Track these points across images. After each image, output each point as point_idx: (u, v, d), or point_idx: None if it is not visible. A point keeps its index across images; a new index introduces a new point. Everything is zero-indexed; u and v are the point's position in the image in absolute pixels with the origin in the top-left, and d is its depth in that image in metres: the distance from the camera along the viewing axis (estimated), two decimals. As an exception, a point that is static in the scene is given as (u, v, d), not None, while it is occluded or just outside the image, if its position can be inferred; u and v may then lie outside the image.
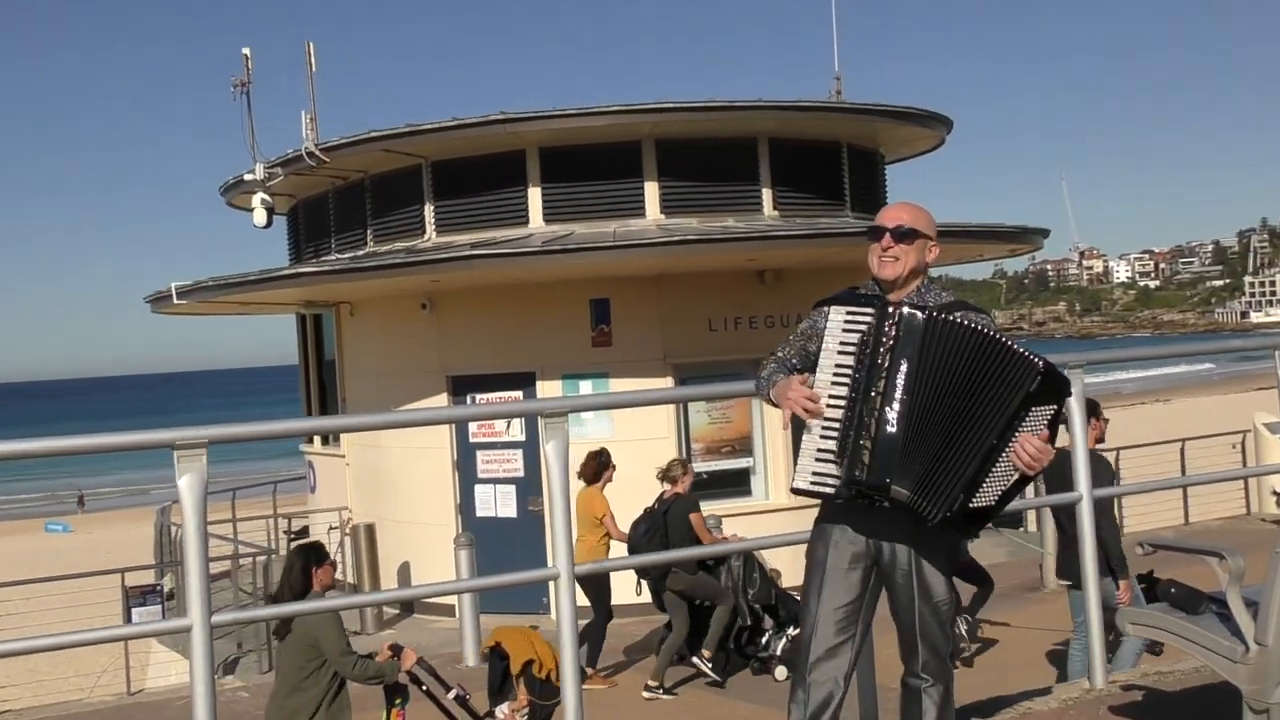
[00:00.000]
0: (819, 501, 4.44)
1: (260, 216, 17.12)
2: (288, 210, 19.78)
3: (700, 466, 15.78)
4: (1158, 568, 8.89)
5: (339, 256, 17.68)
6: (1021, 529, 19.44)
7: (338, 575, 17.73)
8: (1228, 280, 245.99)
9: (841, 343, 4.29)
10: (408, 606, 16.56)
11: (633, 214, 15.82)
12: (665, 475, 12.09)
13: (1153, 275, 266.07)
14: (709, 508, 13.00)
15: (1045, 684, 6.80)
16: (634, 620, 13.86)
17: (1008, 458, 4.21)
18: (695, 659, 11.74)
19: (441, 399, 16.15)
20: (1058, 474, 9.26)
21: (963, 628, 11.78)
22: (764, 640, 12.13)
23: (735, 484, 15.68)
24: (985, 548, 16.35)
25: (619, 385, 15.31)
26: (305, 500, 20.70)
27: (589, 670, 11.81)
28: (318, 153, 16.20)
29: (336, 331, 18.41)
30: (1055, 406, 4.23)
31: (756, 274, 15.88)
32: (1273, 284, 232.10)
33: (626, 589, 12.75)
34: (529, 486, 15.62)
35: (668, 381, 15.42)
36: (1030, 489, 16.52)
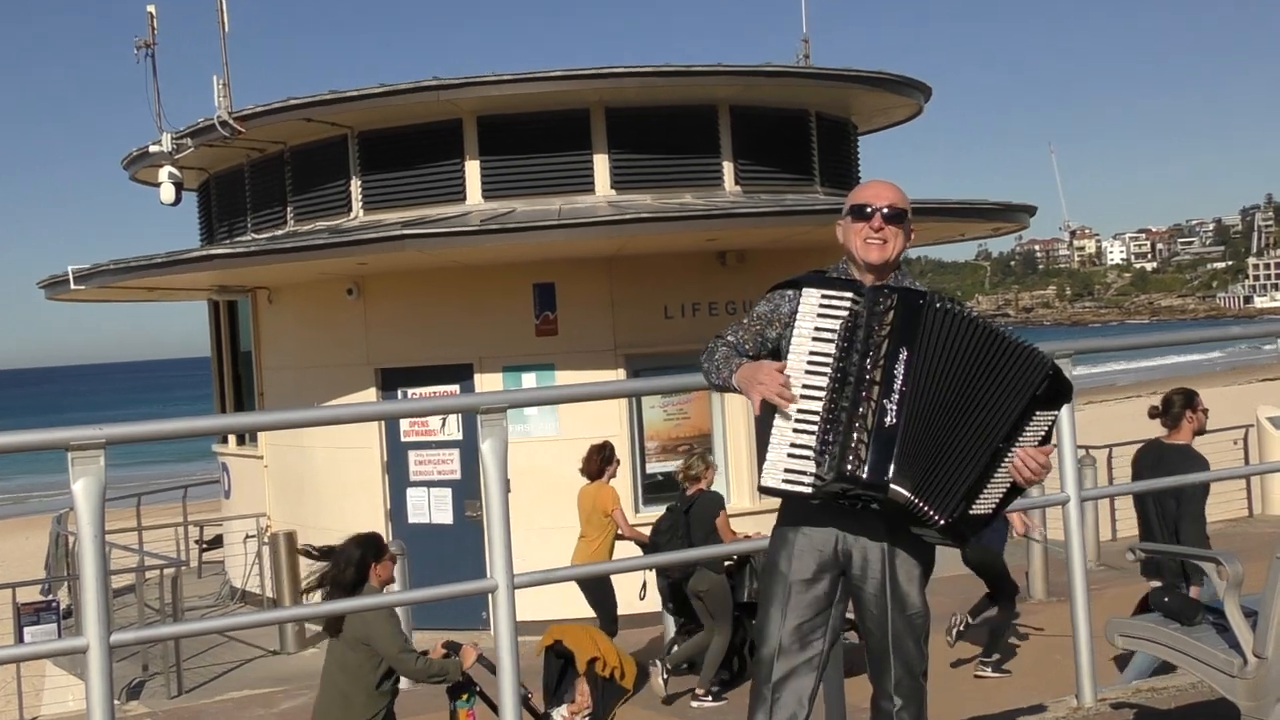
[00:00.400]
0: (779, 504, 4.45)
1: (168, 192, 16.99)
2: (198, 186, 19.64)
3: (654, 467, 15.83)
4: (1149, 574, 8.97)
5: (255, 237, 17.58)
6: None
7: (254, 589, 17.65)
8: (1230, 262, 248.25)
9: (817, 328, 4.28)
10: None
11: (580, 190, 15.81)
12: (686, 475, 12.23)
13: (1149, 256, 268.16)
14: (660, 511, 13.03)
15: (1030, 701, 6.87)
16: (633, 630, 13.92)
17: (1008, 465, 4.26)
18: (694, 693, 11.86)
19: (370, 394, 16.09)
20: (1159, 464, 9.30)
21: (958, 624, 11.89)
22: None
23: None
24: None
25: (565, 378, 15.31)
26: (219, 506, 20.59)
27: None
28: (231, 122, 16.10)
29: (253, 320, 18.31)
30: (1057, 413, 4.29)
31: (717, 255, 15.91)
32: (1279, 266, 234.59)
33: (628, 593, 12.76)
34: (466, 490, 15.61)
35: (619, 374, 15.43)
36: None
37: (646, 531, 12.28)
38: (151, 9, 16.88)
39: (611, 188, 15.84)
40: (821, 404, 4.22)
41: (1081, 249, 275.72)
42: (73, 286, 16.97)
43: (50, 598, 16.17)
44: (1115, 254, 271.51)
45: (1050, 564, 14.78)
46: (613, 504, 12.35)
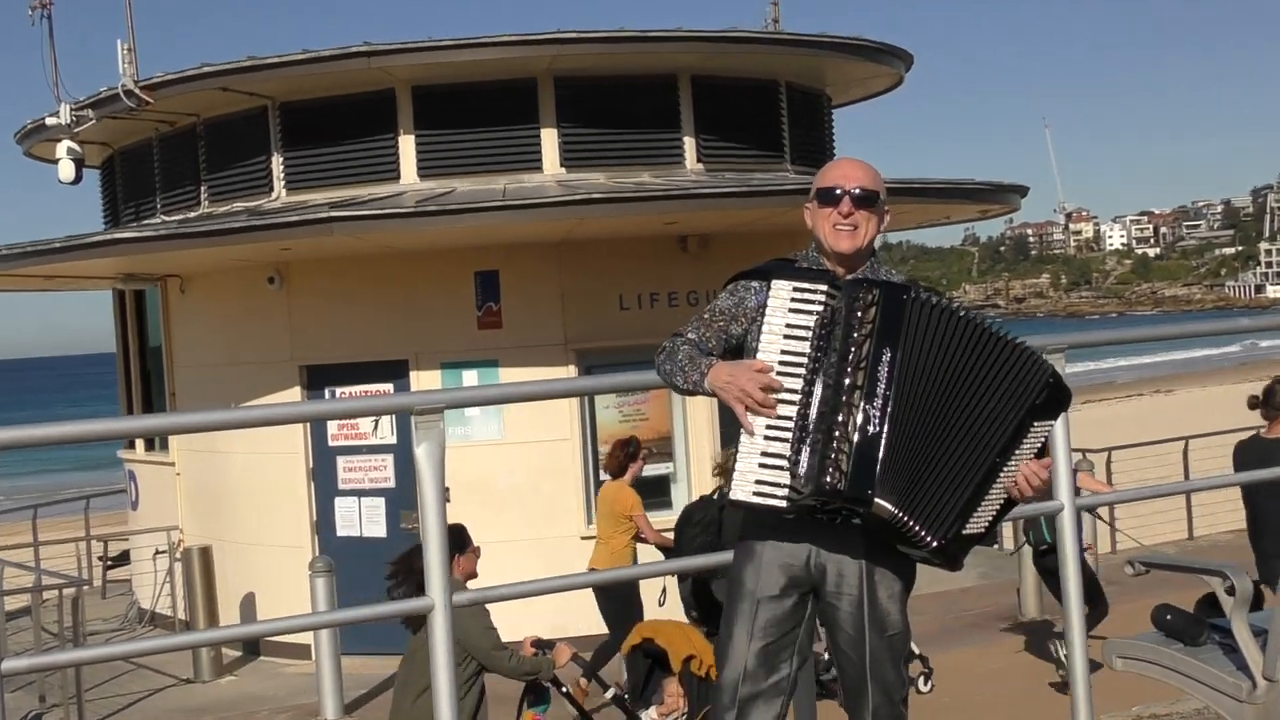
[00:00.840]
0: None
1: (67, 170, 16.87)
2: (101, 162, 19.52)
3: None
4: (1155, 590, 9.08)
5: (165, 219, 17.48)
6: (996, 546, 19.70)
7: (165, 610, 17.57)
8: (1240, 247, 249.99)
9: (789, 325, 4.29)
10: (252, 647, 16.45)
11: (527, 168, 15.80)
12: (723, 470, 12.29)
13: (1152, 241, 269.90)
14: (694, 500, 13.07)
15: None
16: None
17: (1003, 481, 4.28)
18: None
19: (294, 393, 16.05)
20: (1267, 462, 9.34)
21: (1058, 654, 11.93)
22: (826, 658, 12.32)
23: (652, 494, 15.71)
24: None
25: (510, 375, 15.31)
26: (125, 519, 20.48)
27: (581, 681, 11.82)
28: (138, 91, 15.99)
29: (163, 312, 18.21)
30: (1054, 423, 4.33)
31: (677, 240, 15.93)
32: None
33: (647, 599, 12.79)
34: (402, 499, 15.58)
35: (570, 371, 15.44)
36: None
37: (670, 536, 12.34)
38: (49, -36, 16.77)
39: (561, 166, 15.83)
40: (796, 409, 4.23)
41: (1078, 233, 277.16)
42: (-39, 274, 16.84)
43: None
44: (1115, 239, 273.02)
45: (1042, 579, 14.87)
46: (633, 507, 12.48)
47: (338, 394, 15.92)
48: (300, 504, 16.13)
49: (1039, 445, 4.30)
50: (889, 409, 4.18)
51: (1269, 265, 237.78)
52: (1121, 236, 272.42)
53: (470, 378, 15.50)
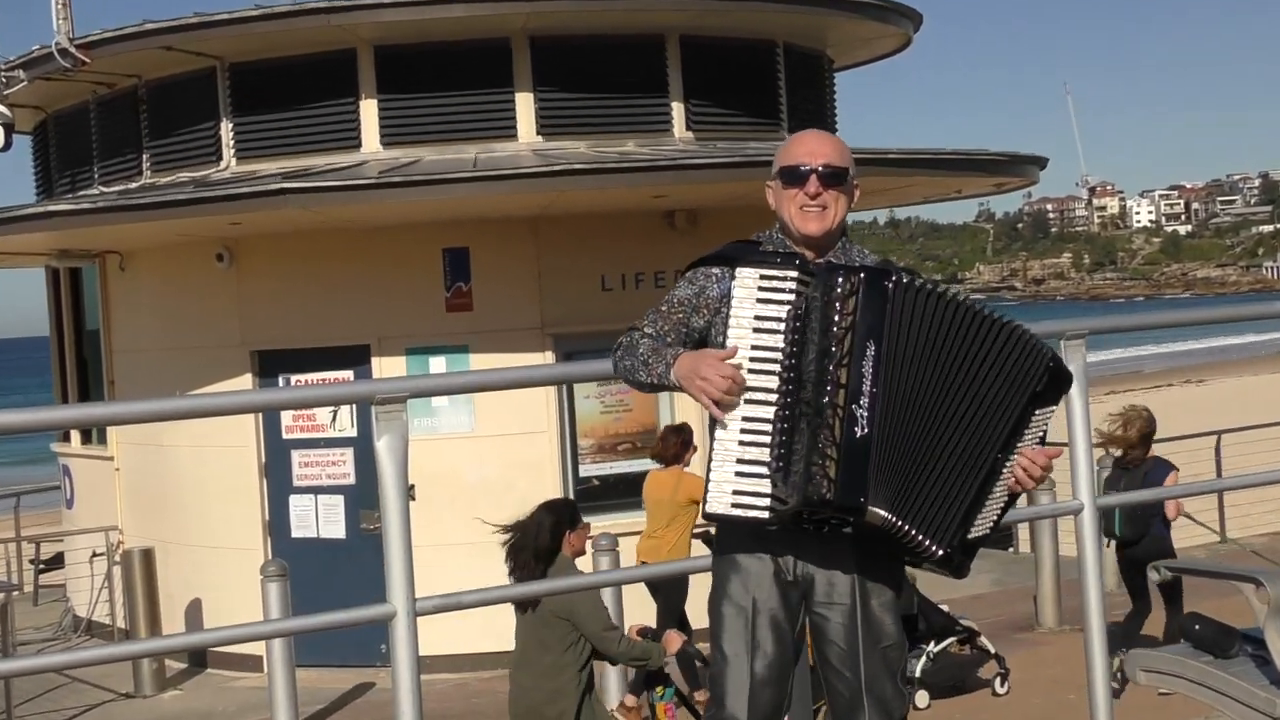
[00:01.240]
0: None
1: (-5, 135, 16.83)
2: (34, 128, 19.46)
3: (590, 469, 15.86)
4: (1184, 596, 9.11)
5: (104, 190, 17.45)
6: (1011, 549, 19.75)
7: (103, 618, 17.55)
8: None
9: (759, 317, 4.29)
10: (198, 659, 16.45)
11: (500, 135, 15.79)
12: None
13: (1183, 218, 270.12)
14: (600, 522, 13.08)
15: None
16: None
17: (1007, 477, 4.29)
18: None
19: (245, 381, 16.04)
20: None
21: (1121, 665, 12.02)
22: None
23: (634, 492, 15.71)
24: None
25: (481, 362, 15.30)
26: (59, 518, 20.45)
27: (628, 699, 11.92)
28: (74, 50, 15.95)
29: (101, 292, 18.18)
30: (1055, 408, 4.35)
31: (664, 216, 15.93)
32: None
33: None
34: (362, 497, 15.56)
35: (547, 357, 15.44)
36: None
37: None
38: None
39: (538, 133, 15.82)
40: (773, 410, 4.23)
41: (1102, 209, 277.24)
42: (-121, 250, 16.80)
43: None
44: (1142, 215, 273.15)
45: (1062, 586, 14.92)
46: (700, 494, 12.53)
47: (292, 382, 15.92)
48: (251, 502, 16.12)
49: (1041, 434, 4.33)
50: (877, 408, 4.20)
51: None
52: (1150, 213, 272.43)
53: (438, 364, 15.49)
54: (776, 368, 4.24)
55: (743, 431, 4.23)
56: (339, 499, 15.90)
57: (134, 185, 17.04)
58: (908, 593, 12.67)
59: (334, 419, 15.92)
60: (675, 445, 13.08)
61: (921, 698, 12.17)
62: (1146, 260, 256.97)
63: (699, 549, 12.59)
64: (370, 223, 15.37)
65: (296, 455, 16.06)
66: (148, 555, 16.39)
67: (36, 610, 20.14)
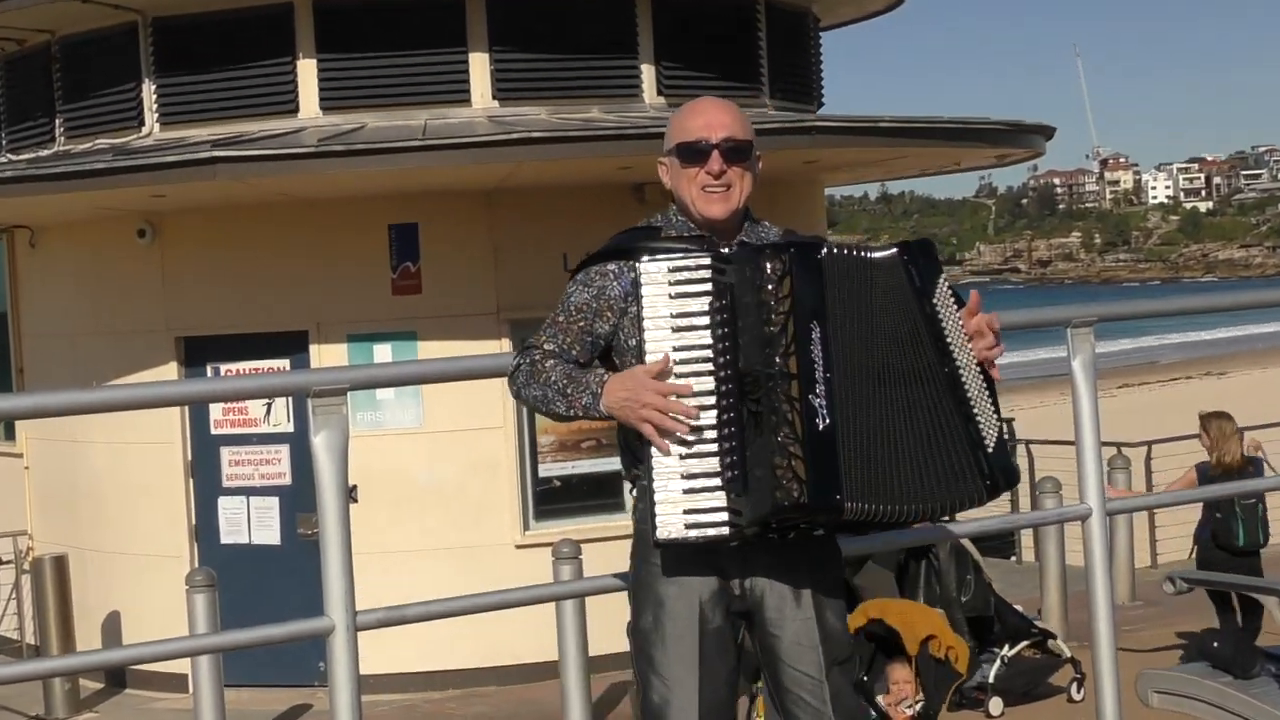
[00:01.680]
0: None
1: (-107, 98, 16.76)
2: (-65, 89, 19.39)
3: (550, 469, 15.85)
4: (1201, 612, 9.17)
5: (12, 158, 17.40)
6: (1013, 558, 19.82)
7: (10, 633, 17.49)
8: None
9: (677, 314, 4.26)
10: (116, 678, 16.41)
11: (453, 100, 15.78)
12: None
13: (1203, 194, 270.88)
14: (562, 527, 13.08)
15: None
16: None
17: (965, 373, 4.34)
18: None
19: (169, 370, 16.00)
20: None
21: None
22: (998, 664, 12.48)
23: (599, 494, 15.78)
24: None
25: (431, 350, 15.30)
26: (-37, 521, 20.38)
27: None
28: (-20, 3, 15.89)
29: (9, 270, 18.13)
30: (942, 271, 4.42)
31: (632, 189, 15.91)
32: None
33: None
34: (299, 500, 15.55)
35: (504, 345, 15.43)
36: (1025, 503, 16.65)
37: None
38: None
39: (494, 98, 15.81)
40: (715, 413, 4.22)
41: (1115, 184, 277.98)
42: None
43: None
44: (1159, 191, 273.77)
45: (1070, 598, 14.98)
46: None
47: (222, 371, 15.88)
48: (176, 505, 16.09)
49: (952, 298, 4.36)
50: (834, 394, 4.21)
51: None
52: (1167, 188, 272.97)
53: (382, 353, 15.48)
54: (709, 366, 4.22)
55: (684, 444, 4.21)
56: (273, 501, 15.87)
57: (46, 153, 16.98)
58: (983, 593, 12.74)
59: (268, 413, 15.88)
60: None
61: (995, 705, 12.20)
62: (1163, 240, 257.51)
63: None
64: (309, 195, 15.34)
65: (226, 453, 16.03)
66: (60, 563, 16.34)
67: (-63, 623, 20.07)
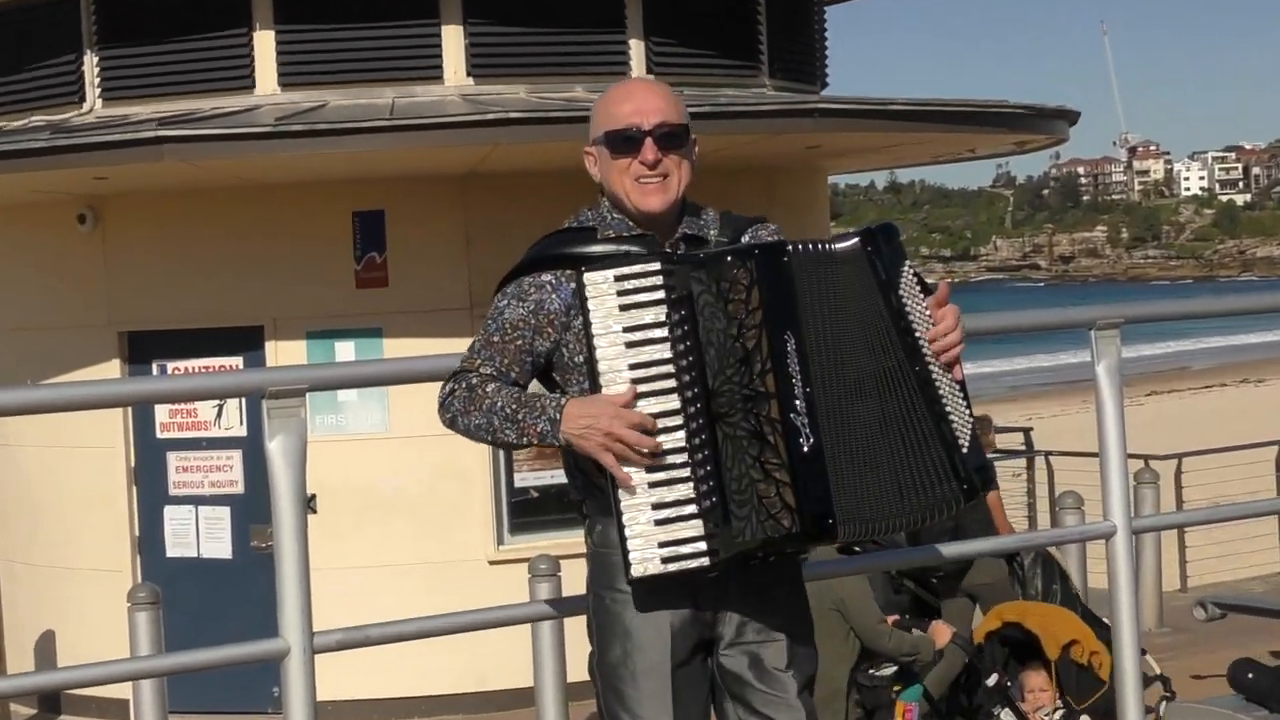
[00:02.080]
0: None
1: None
2: None
3: (527, 479, 15.85)
4: (1234, 641, 9.20)
5: (-57, 136, 17.36)
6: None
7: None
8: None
9: (629, 328, 4.25)
10: (51, 703, 16.38)
11: (424, 77, 15.78)
12: None
13: (1241, 186, 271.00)
14: (539, 542, 13.08)
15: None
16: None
17: (938, 378, 4.35)
18: None
19: (112, 367, 15.99)
20: None
21: None
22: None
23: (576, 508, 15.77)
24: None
25: (399, 348, 15.30)
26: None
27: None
28: (-93, -34, 15.88)
29: (-62, 258, 18.09)
30: (905, 258, 4.43)
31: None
32: None
33: None
34: (252, 510, 15.54)
35: (477, 344, 15.42)
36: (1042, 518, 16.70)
37: None
38: None
39: (469, 75, 15.80)
40: (683, 434, 4.22)
41: (1144, 174, 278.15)
42: None
43: None
44: (1192, 181, 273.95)
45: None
46: None
47: (169, 370, 15.87)
48: (118, 515, 16.07)
49: (917, 285, 4.37)
50: (815, 411, 4.21)
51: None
52: (1201, 179, 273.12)
53: (345, 350, 15.48)
54: (671, 384, 4.22)
55: (650, 470, 4.20)
56: (224, 511, 15.85)
57: (-21, 131, 16.96)
58: (1070, 604, 12.81)
59: (219, 415, 15.87)
60: None
61: None
62: (1196, 235, 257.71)
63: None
64: (265, 179, 15.34)
65: (173, 458, 16.01)
66: (-9, 577, 16.34)
67: None
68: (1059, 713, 9.31)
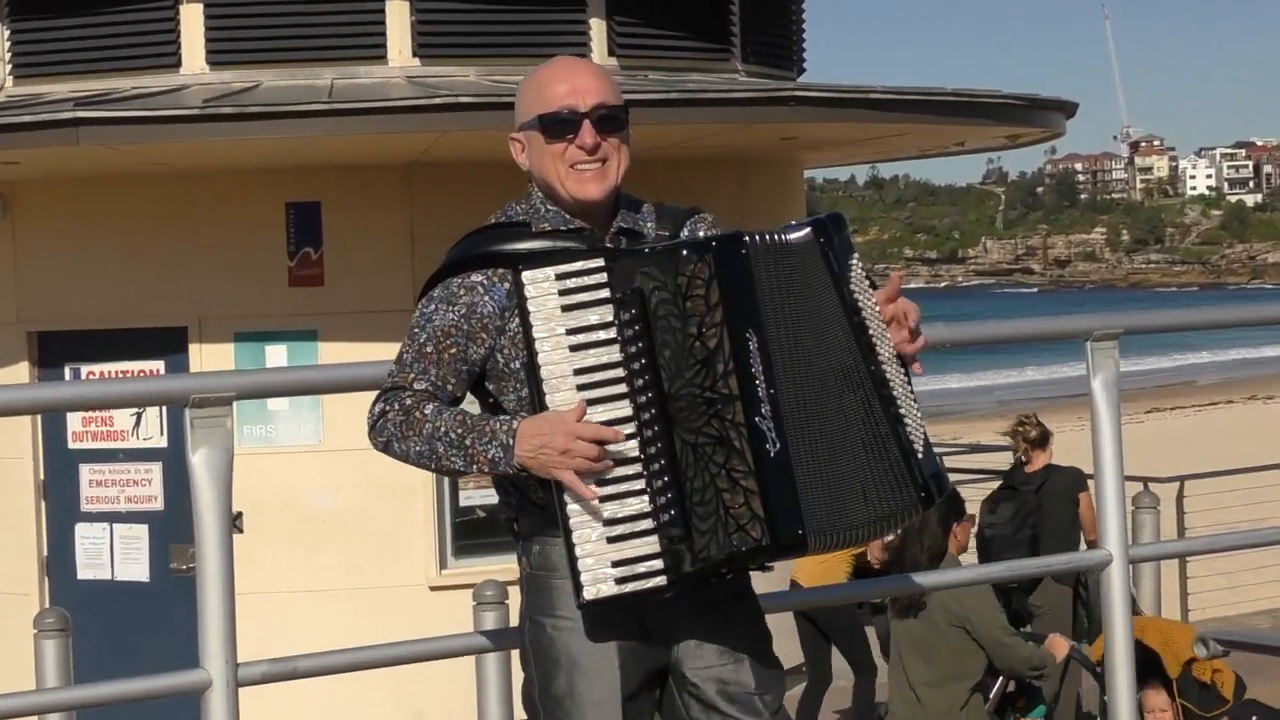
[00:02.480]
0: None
1: None
2: None
3: (473, 497, 15.84)
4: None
5: None
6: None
7: None
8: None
9: (573, 330, 4.25)
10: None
11: (366, 57, 15.78)
12: (1020, 434, 12.65)
13: (1251, 185, 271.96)
14: (486, 565, 13.08)
15: None
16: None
17: (893, 373, 4.38)
18: None
19: (19, 371, 15.94)
20: None
21: None
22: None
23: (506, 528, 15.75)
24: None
25: (335, 353, 15.29)
26: None
27: None
28: None
29: None
30: (853, 251, 4.45)
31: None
32: None
33: None
34: (172, 528, 15.50)
35: (421, 349, 15.41)
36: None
37: None
38: None
39: (414, 55, 15.80)
40: (636, 443, 4.22)
41: (1147, 171, 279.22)
42: None
43: None
44: (1199, 180, 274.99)
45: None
46: None
47: (83, 374, 15.83)
48: (24, 532, 16.01)
49: (867, 284, 4.40)
50: (780, 414, 4.23)
51: None
52: (1208, 177, 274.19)
53: (276, 355, 15.46)
54: (622, 389, 4.22)
55: (600, 484, 4.19)
56: (141, 530, 15.80)
57: (-123, 110, 16.90)
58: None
59: (137, 424, 15.83)
60: None
61: None
62: (1202, 238, 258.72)
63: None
64: (192, 166, 15.32)
65: (86, 471, 15.95)
66: (-114, 598, 16.28)
67: None
68: None
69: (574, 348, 4.20)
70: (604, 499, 4.18)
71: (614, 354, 4.19)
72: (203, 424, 5.05)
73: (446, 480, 15.66)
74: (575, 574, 4.22)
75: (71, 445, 15.98)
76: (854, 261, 4.41)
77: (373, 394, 4.89)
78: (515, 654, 12.46)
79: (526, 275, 4.25)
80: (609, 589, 4.19)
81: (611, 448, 4.17)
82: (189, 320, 15.60)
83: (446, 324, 4.44)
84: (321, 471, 15.44)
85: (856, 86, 15.67)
